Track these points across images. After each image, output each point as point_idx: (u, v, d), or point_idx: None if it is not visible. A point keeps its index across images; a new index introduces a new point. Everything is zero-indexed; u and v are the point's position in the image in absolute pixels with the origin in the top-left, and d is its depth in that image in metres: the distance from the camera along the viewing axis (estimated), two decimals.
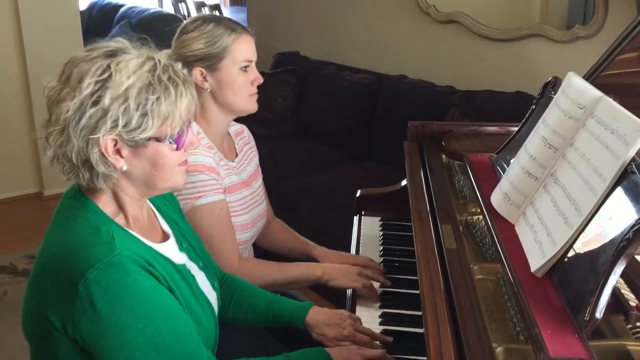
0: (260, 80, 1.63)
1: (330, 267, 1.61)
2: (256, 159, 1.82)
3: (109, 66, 1.04)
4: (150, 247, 1.13)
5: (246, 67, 1.60)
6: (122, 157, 1.07)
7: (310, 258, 1.77)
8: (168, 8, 8.17)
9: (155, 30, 5.63)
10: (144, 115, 1.04)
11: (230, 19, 1.65)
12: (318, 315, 1.39)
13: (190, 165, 1.43)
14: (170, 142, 1.09)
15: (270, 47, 4.10)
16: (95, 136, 1.03)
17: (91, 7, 6.57)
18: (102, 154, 1.04)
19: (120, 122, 1.03)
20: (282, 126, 3.72)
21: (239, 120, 1.76)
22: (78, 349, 1.03)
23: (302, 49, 4.07)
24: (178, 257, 1.23)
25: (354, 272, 1.57)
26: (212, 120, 1.63)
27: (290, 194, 3.02)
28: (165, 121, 1.07)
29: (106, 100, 1.02)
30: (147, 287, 1.03)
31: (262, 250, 1.97)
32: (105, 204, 1.12)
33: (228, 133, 1.74)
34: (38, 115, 3.85)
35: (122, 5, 6.31)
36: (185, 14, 8.09)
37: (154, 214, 1.26)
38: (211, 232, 1.53)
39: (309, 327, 1.39)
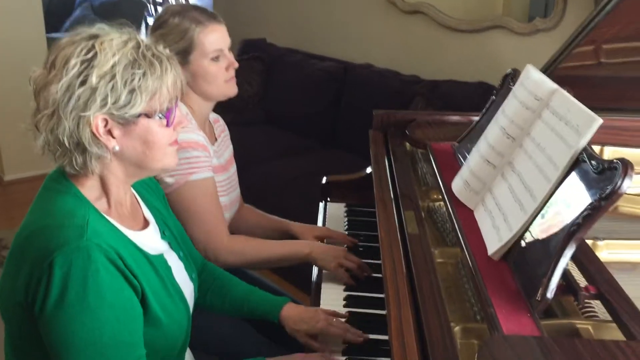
0: (235, 65, 1.64)
1: (318, 246, 1.61)
2: (231, 147, 1.85)
3: (93, 46, 1.04)
4: (125, 237, 1.13)
5: (217, 56, 1.60)
6: (113, 137, 1.07)
7: (288, 235, 1.80)
8: None
9: (118, 14, 5.53)
10: (132, 91, 1.04)
11: (197, 8, 1.63)
12: (292, 311, 1.40)
13: (183, 142, 1.45)
14: (160, 118, 1.10)
15: (236, 33, 4.05)
16: (86, 114, 1.03)
17: None
18: (94, 134, 1.04)
19: (110, 100, 1.03)
20: (249, 113, 3.72)
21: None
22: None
23: (268, 36, 4.06)
24: (158, 245, 1.23)
25: (340, 255, 1.57)
26: (194, 106, 1.65)
27: (256, 181, 3.03)
28: (153, 96, 1.07)
29: (93, 79, 1.02)
30: (105, 282, 1.02)
31: None
32: (89, 188, 1.11)
33: (208, 120, 1.76)
34: None
35: None
36: None
37: (137, 200, 1.26)
38: (203, 208, 1.55)
39: (283, 322, 1.40)
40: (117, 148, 1.08)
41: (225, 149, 1.79)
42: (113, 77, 1.03)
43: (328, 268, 1.57)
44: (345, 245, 1.74)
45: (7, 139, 3.82)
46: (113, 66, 1.03)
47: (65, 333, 1.00)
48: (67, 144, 1.04)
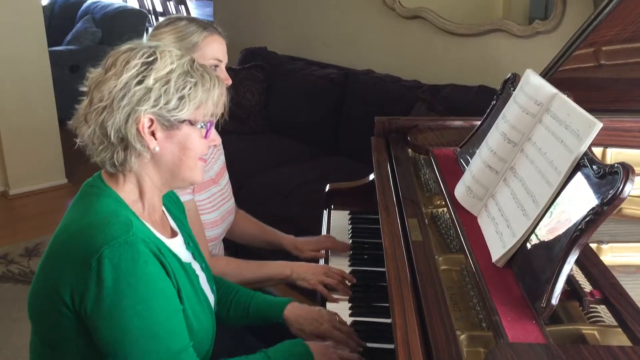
0: (229, 81, 1.65)
1: (298, 266, 1.64)
2: (222, 157, 1.84)
3: (154, 52, 1.14)
4: (160, 240, 1.17)
5: (215, 66, 1.61)
6: (155, 138, 1.13)
7: (281, 248, 1.81)
8: (132, 2, 8.06)
9: (119, 25, 5.56)
10: (182, 98, 1.12)
11: (203, 20, 1.67)
12: (296, 310, 1.43)
13: None
14: (202, 127, 1.16)
15: (237, 42, 4.10)
16: (139, 108, 1.09)
17: (53, 3, 6.43)
18: (139, 132, 1.10)
19: (162, 101, 1.11)
20: (251, 121, 3.73)
21: None
22: (84, 329, 1.06)
23: (269, 45, 4.07)
24: (185, 255, 1.27)
25: (320, 272, 1.60)
26: None
27: (259, 189, 3.04)
28: (199, 107, 1.15)
29: (150, 81, 1.10)
30: (154, 272, 1.06)
31: (233, 245, 1.99)
32: (126, 192, 1.16)
33: None
34: (1, 111, 3.79)
35: (85, 0, 6.20)
36: (150, 8, 8.00)
37: (164, 212, 1.30)
38: None
39: (287, 322, 1.43)
40: (157, 149, 1.13)
41: (215, 161, 1.78)
42: (168, 81, 1.11)
43: (308, 286, 1.59)
44: (351, 251, 1.75)
45: (12, 153, 3.83)
46: (169, 72, 1.12)
47: (120, 325, 1.03)
48: (112, 138, 1.10)
